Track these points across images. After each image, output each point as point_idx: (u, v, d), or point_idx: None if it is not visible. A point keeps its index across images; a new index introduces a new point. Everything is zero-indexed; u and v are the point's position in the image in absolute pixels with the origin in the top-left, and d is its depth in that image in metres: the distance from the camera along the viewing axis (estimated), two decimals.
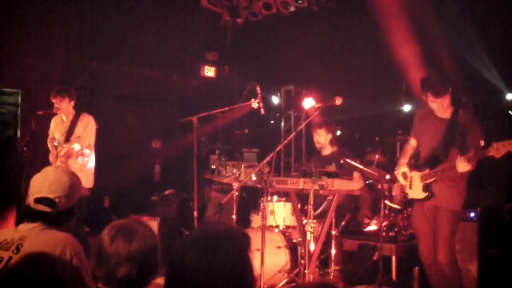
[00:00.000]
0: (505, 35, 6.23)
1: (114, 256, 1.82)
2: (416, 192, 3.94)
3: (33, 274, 2.12)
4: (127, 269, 1.82)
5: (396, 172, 4.11)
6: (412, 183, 3.99)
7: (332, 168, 4.93)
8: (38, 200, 2.29)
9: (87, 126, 5.22)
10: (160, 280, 1.87)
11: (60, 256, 2.14)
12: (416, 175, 3.95)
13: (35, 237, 2.20)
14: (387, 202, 4.50)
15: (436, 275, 3.96)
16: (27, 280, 2.12)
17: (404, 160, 4.10)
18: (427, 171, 3.88)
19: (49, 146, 5.33)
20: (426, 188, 3.88)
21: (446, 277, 3.87)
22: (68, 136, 5.18)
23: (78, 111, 5.31)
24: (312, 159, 5.60)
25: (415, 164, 4.05)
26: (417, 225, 4.07)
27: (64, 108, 5.20)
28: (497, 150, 3.40)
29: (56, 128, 5.34)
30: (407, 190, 4.03)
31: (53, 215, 2.28)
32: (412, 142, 4.16)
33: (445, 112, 3.90)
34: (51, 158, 5.26)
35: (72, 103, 5.26)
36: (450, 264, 3.83)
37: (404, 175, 4.05)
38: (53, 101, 5.18)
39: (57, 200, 2.29)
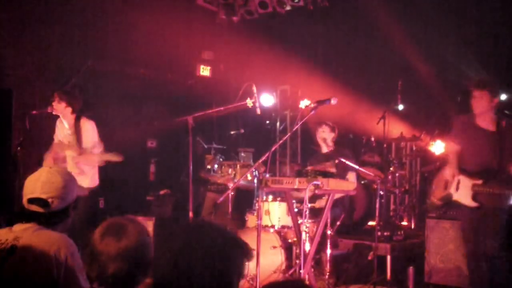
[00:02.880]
0: (497, 36, 6.27)
1: (103, 254, 1.81)
2: (464, 197, 3.98)
3: (28, 275, 2.11)
4: (116, 267, 1.80)
5: (447, 173, 4.11)
6: (459, 186, 4.01)
7: (329, 166, 4.93)
8: (31, 201, 2.27)
9: (87, 133, 5.03)
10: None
11: (54, 256, 2.14)
12: (465, 181, 3.98)
13: (29, 238, 2.19)
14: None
15: (478, 272, 4.01)
16: (22, 280, 2.11)
17: (455, 170, 4.08)
18: (480, 182, 3.91)
19: (55, 149, 5.06)
20: (476, 197, 3.92)
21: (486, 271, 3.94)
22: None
23: (78, 116, 5.05)
24: (311, 157, 5.60)
25: (463, 169, 4.06)
26: (465, 225, 4.13)
27: (60, 111, 5.01)
28: None
29: (59, 133, 5.16)
30: (452, 191, 4.05)
31: (47, 215, 2.27)
32: (454, 147, 4.15)
33: (482, 114, 3.95)
34: (49, 161, 4.99)
35: (69, 109, 5.00)
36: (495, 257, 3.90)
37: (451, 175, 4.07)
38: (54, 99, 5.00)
39: (50, 200, 2.27)
